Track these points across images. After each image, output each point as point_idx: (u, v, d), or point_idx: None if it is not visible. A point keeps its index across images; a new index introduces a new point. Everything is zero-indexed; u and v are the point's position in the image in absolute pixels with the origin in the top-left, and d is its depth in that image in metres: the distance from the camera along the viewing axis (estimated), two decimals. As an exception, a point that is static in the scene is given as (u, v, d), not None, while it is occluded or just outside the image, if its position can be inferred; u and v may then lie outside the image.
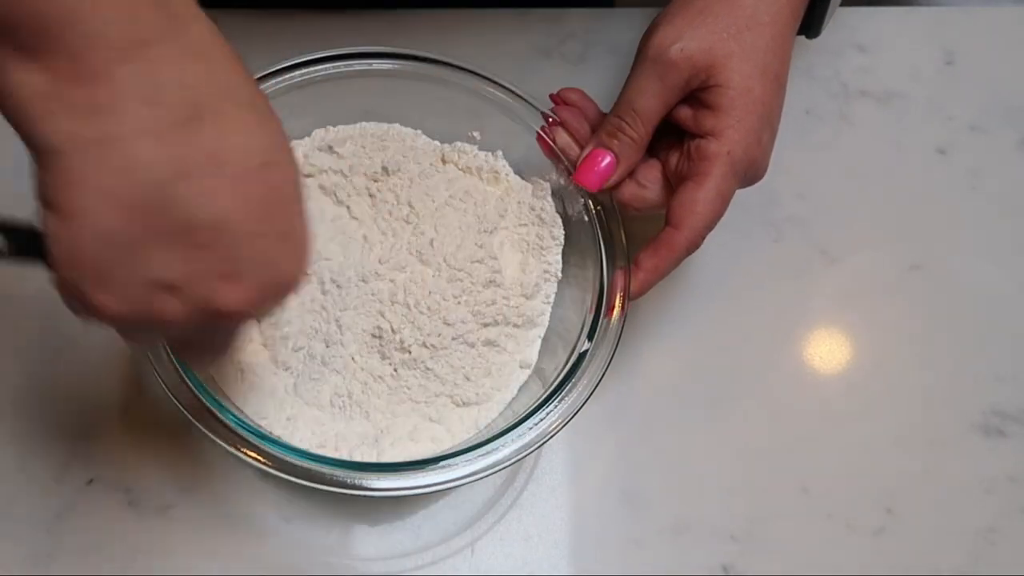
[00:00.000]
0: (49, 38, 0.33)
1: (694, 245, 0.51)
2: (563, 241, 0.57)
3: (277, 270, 0.38)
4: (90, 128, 0.33)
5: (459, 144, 0.58)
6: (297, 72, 0.55)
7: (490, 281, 0.54)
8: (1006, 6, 0.75)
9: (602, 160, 0.53)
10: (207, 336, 0.42)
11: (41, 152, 0.34)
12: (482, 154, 0.58)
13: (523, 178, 0.58)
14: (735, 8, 0.50)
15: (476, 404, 0.53)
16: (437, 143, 0.59)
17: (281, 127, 0.38)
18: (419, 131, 0.59)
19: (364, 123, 0.58)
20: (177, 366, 0.48)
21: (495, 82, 0.56)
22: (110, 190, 0.34)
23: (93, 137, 0.33)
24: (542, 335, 0.56)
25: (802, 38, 0.56)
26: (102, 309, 0.36)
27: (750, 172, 0.52)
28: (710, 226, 0.51)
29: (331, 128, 0.57)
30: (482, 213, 0.56)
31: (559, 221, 0.57)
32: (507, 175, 0.58)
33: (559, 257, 0.56)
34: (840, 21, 0.65)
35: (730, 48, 0.49)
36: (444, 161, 0.58)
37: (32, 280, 0.59)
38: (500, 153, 0.58)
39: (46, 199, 0.35)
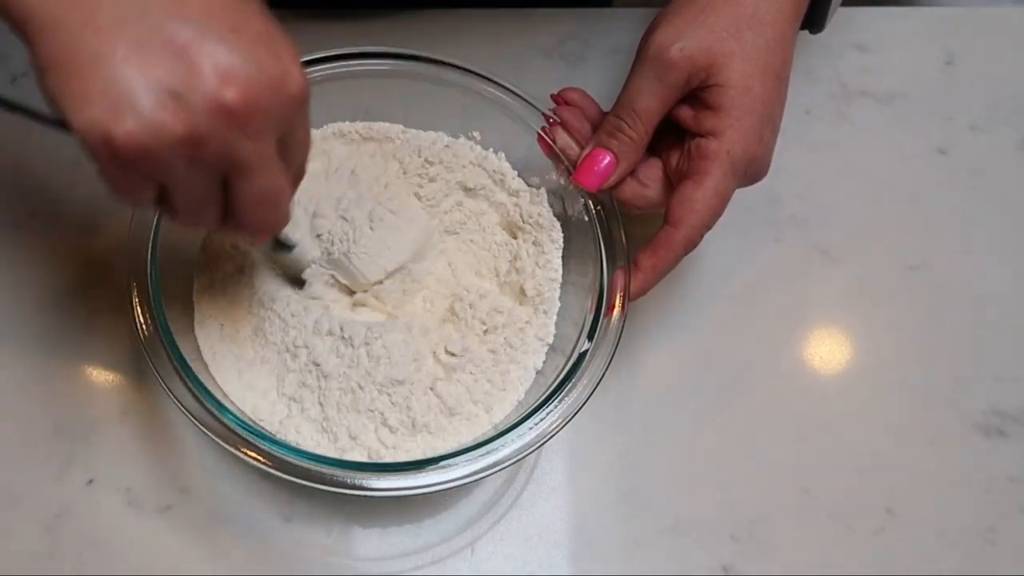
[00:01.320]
0: None
1: (692, 244, 0.51)
2: (563, 244, 0.57)
3: (271, 68, 0.38)
4: None
5: (462, 140, 0.58)
6: (297, 72, 0.55)
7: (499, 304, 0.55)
8: (1006, 6, 0.75)
9: (602, 160, 0.53)
10: (218, 160, 0.41)
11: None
12: (484, 153, 0.58)
13: (523, 179, 0.58)
14: (735, 7, 0.50)
15: (487, 410, 0.53)
16: (440, 138, 0.59)
17: None
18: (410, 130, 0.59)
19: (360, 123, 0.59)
20: (177, 365, 0.48)
21: (495, 82, 0.56)
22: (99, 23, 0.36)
23: None
24: (550, 341, 0.55)
25: (804, 36, 0.56)
26: (124, 140, 0.36)
27: (751, 171, 0.52)
28: (709, 225, 0.51)
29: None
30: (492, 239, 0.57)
31: (557, 225, 0.57)
32: (512, 178, 0.58)
33: (560, 261, 0.56)
34: (840, 21, 0.65)
35: (730, 47, 0.50)
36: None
37: (32, 280, 0.59)
38: (503, 155, 0.58)
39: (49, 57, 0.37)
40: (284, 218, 0.44)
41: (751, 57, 0.50)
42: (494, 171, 0.58)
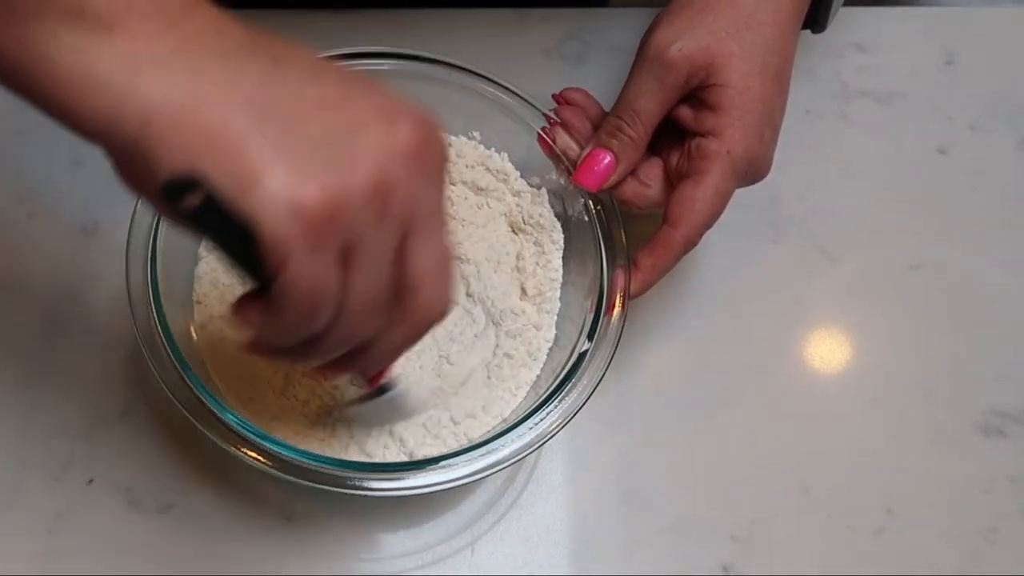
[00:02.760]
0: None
1: (692, 243, 0.51)
2: (563, 245, 0.57)
3: (415, 109, 0.36)
4: (217, 73, 0.33)
5: (463, 139, 0.58)
6: (297, 72, 0.55)
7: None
8: (1006, 6, 0.75)
9: (602, 160, 0.53)
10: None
11: (143, 120, 0.32)
12: (488, 152, 0.58)
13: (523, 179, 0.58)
14: (735, 7, 0.50)
15: (485, 412, 0.53)
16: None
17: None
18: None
19: None
20: (177, 365, 0.48)
21: (495, 82, 0.56)
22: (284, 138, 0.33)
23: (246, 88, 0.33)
24: (551, 341, 0.55)
25: (804, 35, 0.56)
26: (317, 202, 0.32)
27: (751, 170, 0.52)
28: (708, 224, 0.51)
29: None
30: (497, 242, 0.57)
31: (558, 225, 0.57)
32: (515, 179, 0.58)
33: (560, 262, 0.56)
34: (840, 21, 0.65)
35: (729, 47, 0.50)
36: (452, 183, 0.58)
37: (32, 279, 0.59)
38: (506, 155, 0.58)
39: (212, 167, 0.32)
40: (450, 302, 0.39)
41: (750, 57, 0.50)
42: (498, 171, 0.58)
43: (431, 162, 0.36)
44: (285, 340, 0.36)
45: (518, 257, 0.57)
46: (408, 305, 0.37)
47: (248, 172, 0.32)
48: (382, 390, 0.48)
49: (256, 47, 0.35)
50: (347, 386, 0.52)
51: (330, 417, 0.52)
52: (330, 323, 0.36)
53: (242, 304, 0.37)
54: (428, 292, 0.37)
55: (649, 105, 0.51)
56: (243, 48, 0.34)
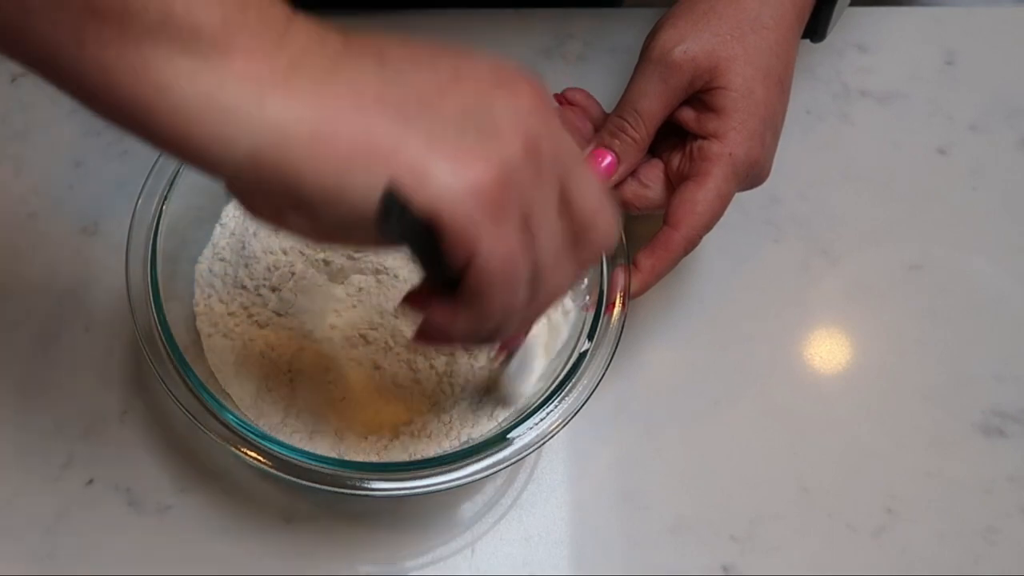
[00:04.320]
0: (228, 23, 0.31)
1: (692, 245, 0.51)
2: None
3: (521, 70, 0.36)
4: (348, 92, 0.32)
5: None
6: (297, 72, 0.55)
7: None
8: (1006, 6, 0.75)
9: (603, 160, 0.53)
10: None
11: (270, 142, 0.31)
12: None
13: None
14: (739, 11, 0.50)
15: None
16: None
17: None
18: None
19: None
20: (177, 365, 0.48)
21: (495, 82, 0.56)
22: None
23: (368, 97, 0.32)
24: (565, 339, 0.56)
25: (805, 40, 0.56)
26: (488, 177, 0.33)
27: (752, 174, 0.52)
28: (708, 226, 0.51)
29: None
30: None
31: None
32: None
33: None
34: (840, 21, 0.65)
35: (733, 51, 0.50)
36: None
37: (32, 280, 0.59)
38: None
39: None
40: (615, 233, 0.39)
41: (754, 60, 0.50)
42: None
43: (551, 111, 0.36)
44: (487, 324, 0.36)
45: None
46: (587, 244, 0.37)
47: (413, 171, 0.32)
48: (512, 352, 0.48)
49: (358, 48, 0.34)
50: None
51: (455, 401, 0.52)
52: (531, 289, 0.36)
53: (419, 303, 0.37)
54: (600, 225, 0.37)
55: (652, 106, 0.51)
56: (348, 52, 0.34)
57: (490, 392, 0.52)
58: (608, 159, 0.52)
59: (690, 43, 0.49)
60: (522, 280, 0.35)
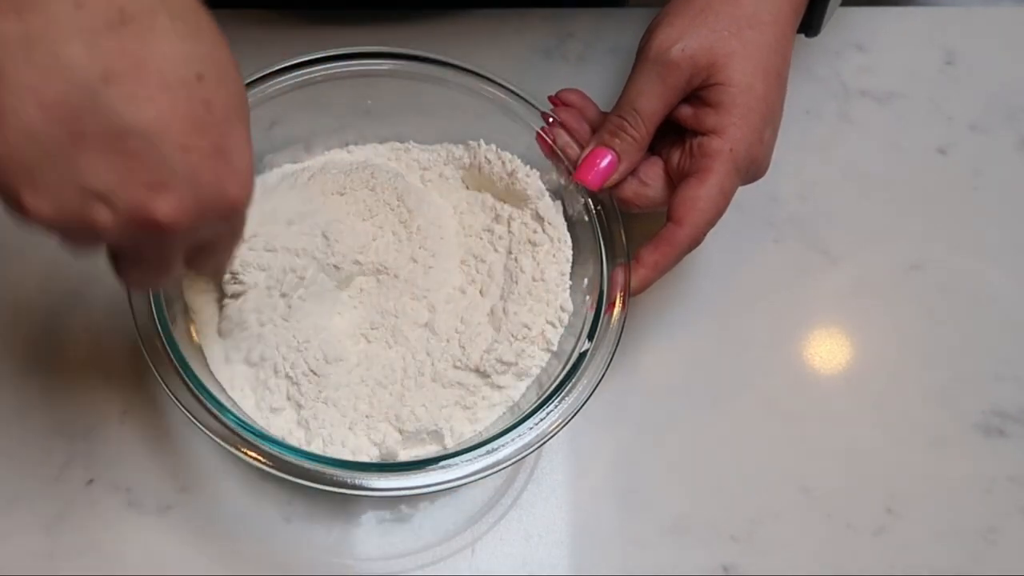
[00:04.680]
0: None
1: (695, 241, 0.51)
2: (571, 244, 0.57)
3: (210, 186, 0.36)
4: (12, 25, 0.33)
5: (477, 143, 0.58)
6: (297, 72, 0.55)
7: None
8: (1006, 6, 0.75)
9: (603, 159, 0.53)
10: (147, 253, 0.39)
11: None
12: (505, 156, 0.58)
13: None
14: (736, 7, 0.50)
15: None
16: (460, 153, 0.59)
17: (225, 44, 0.37)
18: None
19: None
20: (177, 365, 0.48)
21: (495, 82, 0.56)
22: (35, 88, 0.33)
23: (16, 35, 0.33)
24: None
25: (801, 36, 0.56)
26: (33, 212, 0.35)
27: (752, 169, 0.52)
28: (712, 222, 0.51)
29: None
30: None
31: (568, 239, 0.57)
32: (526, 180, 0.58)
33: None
34: (840, 21, 0.65)
35: (731, 46, 0.50)
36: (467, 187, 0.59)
37: (31, 279, 0.59)
38: (520, 161, 0.58)
39: None
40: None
41: (752, 56, 0.50)
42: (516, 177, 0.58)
43: (173, 237, 0.37)
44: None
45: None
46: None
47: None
48: None
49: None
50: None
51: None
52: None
53: None
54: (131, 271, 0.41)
55: (651, 105, 0.51)
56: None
57: None
58: (608, 158, 0.52)
59: (687, 41, 0.49)
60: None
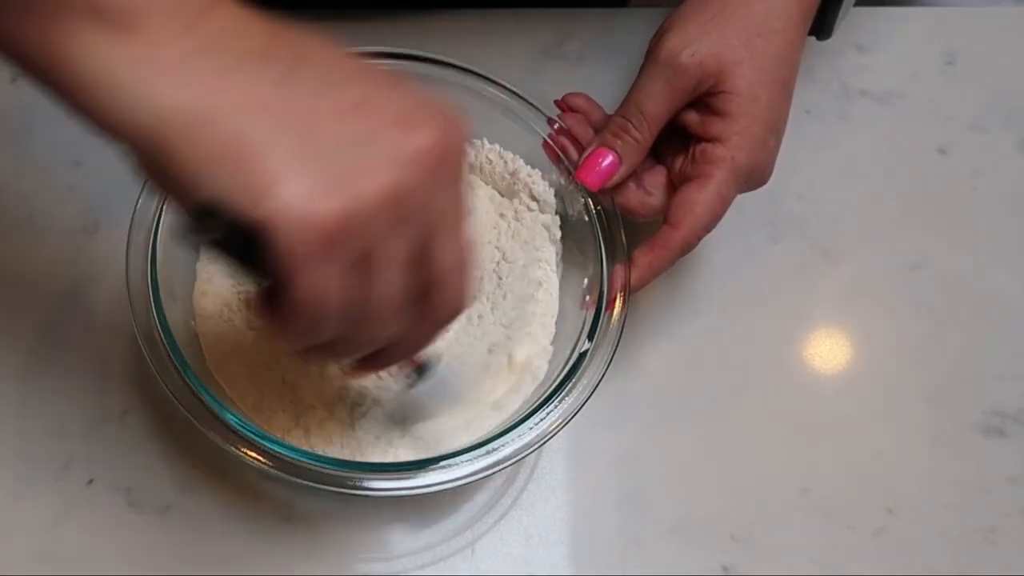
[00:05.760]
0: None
1: (689, 246, 0.51)
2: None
3: (436, 108, 0.36)
4: (232, 86, 0.33)
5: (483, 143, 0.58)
6: (297, 72, 0.55)
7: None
8: (1006, 6, 0.75)
9: (604, 159, 0.53)
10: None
11: (168, 123, 0.33)
12: (507, 155, 0.58)
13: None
14: (747, 15, 0.50)
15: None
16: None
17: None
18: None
19: None
20: (177, 365, 0.48)
21: (495, 82, 0.56)
22: (307, 157, 0.33)
23: (256, 98, 0.33)
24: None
25: (810, 38, 0.56)
26: (328, 213, 0.32)
27: (753, 177, 0.52)
28: (708, 228, 0.51)
29: None
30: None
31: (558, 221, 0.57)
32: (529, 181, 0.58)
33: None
34: (840, 21, 0.65)
35: (740, 55, 0.50)
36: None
37: (32, 280, 0.59)
38: (522, 160, 0.58)
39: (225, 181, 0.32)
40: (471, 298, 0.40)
41: (760, 65, 0.50)
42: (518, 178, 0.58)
43: (447, 164, 0.35)
44: (298, 343, 0.37)
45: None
46: (432, 301, 0.38)
47: (263, 182, 0.32)
48: (421, 371, 0.48)
49: (277, 49, 0.35)
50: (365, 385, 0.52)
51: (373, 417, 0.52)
52: (353, 326, 0.36)
53: (257, 300, 0.37)
54: (449, 289, 0.38)
55: (657, 108, 0.51)
56: (264, 50, 0.34)
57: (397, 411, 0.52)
58: (609, 158, 0.52)
59: (698, 46, 0.50)
60: (329, 320, 0.35)
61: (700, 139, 0.52)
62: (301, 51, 0.35)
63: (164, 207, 0.52)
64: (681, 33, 0.50)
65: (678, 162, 0.53)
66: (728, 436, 0.59)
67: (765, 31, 0.51)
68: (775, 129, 0.52)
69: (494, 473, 0.48)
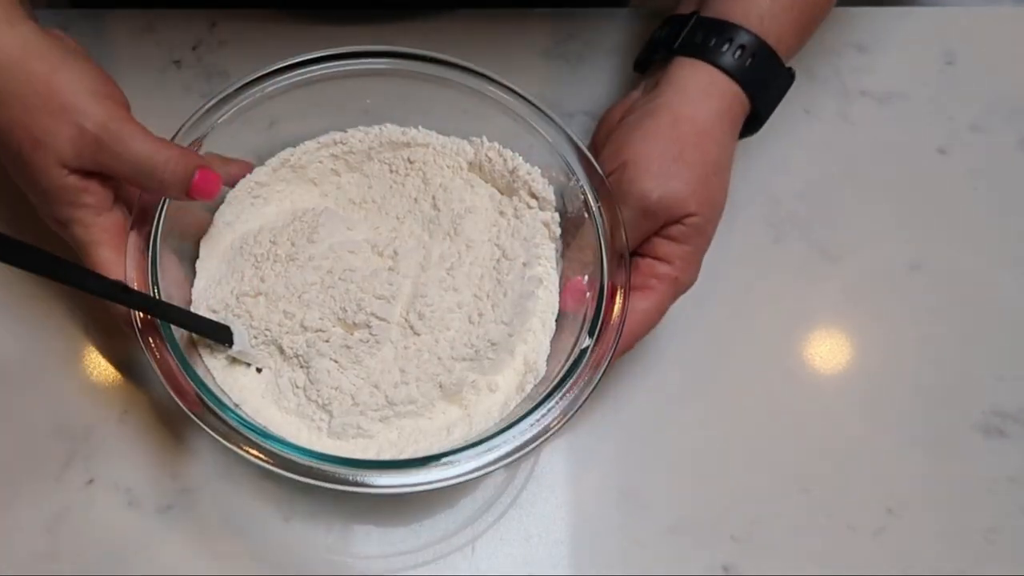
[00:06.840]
0: None
1: (627, 348, 0.53)
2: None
3: None
4: None
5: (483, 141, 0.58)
6: (297, 72, 0.55)
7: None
8: (1006, 6, 0.75)
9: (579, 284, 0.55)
10: None
11: None
12: (507, 153, 0.58)
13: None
14: (703, 156, 0.54)
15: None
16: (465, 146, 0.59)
17: None
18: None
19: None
20: (178, 366, 0.48)
21: (495, 82, 0.56)
22: None
23: None
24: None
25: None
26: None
27: (685, 290, 0.56)
28: (642, 335, 0.54)
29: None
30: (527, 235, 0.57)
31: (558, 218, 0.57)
32: (529, 179, 0.58)
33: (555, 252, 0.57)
34: (840, 21, 0.65)
35: (699, 195, 0.54)
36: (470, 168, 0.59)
37: (32, 280, 0.59)
38: (521, 158, 0.58)
39: None
40: None
41: (711, 200, 0.54)
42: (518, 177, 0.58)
43: None
44: None
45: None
46: None
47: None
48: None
49: None
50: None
51: None
52: None
53: None
54: None
55: (632, 237, 0.54)
56: None
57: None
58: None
59: (664, 191, 0.53)
60: None
61: (644, 255, 0.55)
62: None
63: (164, 207, 0.52)
64: (647, 176, 0.53)
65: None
66: (728, 436, 0.59)
67: (718, 170, 0.55)
68: (708, 245, 0.56)
69: (494, 470, 0.48)
